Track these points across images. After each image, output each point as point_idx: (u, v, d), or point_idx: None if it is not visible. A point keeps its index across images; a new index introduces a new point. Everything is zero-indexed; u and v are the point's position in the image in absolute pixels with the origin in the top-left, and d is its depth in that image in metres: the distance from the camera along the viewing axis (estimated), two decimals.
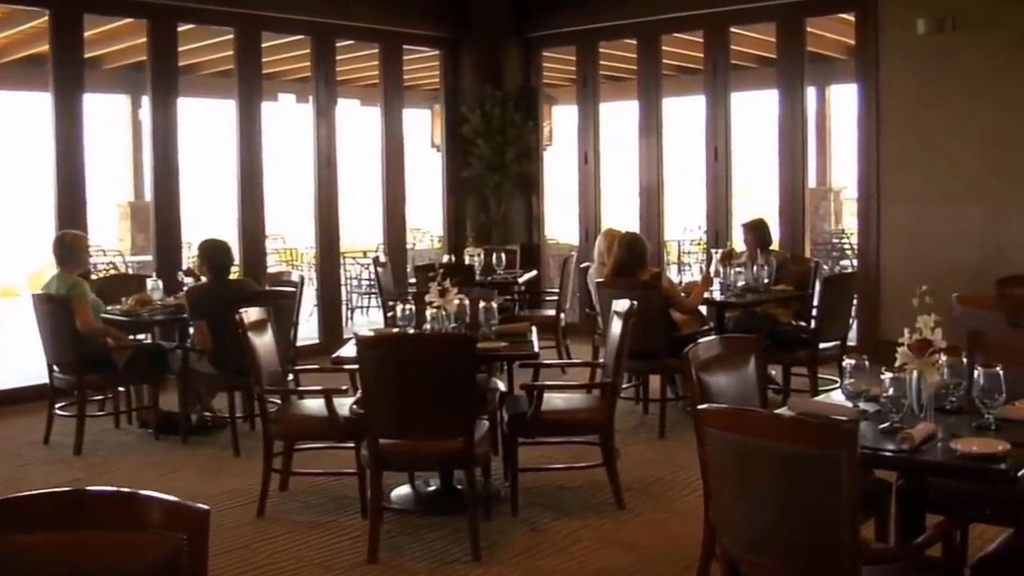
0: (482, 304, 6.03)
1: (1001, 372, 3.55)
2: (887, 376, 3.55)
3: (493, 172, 12.16)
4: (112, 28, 11.63)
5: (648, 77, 11.45)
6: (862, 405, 3.83)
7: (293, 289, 7.95)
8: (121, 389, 8.17)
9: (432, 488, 6.09)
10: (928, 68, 9.40)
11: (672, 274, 17.00)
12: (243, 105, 10.42)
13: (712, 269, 8.17)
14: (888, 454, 3.33)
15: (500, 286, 10.13)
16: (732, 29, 11.03)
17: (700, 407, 3.21)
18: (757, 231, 8.66)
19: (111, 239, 18.13)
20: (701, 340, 4.32)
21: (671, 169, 12.24)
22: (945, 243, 9.38)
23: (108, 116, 16.91)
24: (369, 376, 5.08)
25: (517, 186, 12.43)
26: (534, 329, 6.37)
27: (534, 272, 10.85)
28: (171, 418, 7.79)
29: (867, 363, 3.85)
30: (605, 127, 12.24)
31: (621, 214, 13.00)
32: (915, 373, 3.61)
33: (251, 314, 6.00)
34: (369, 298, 14.10)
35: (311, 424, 5.93)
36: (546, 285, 12.06)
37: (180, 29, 10.08)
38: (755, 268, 8.21)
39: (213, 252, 7.44)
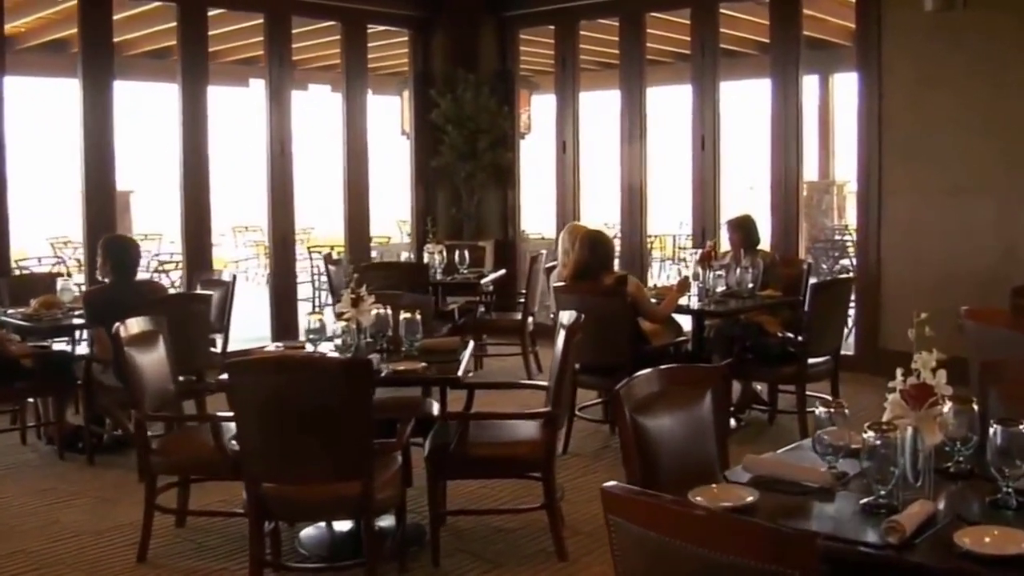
0: (404, 316, 5.11)
1: None
2: (870, 436, 2.62)
3: (464, 162, 11.23)
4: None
5: (631, 60, 10.49)
6: (840, 465, 2.91)
7: (208, 293, 7.01)
8: (31, 400, 7.30)
9: (349, 528, 5.19)
10: (935, 51, 8.44)
11: (660, 273, 16.10)
12: (186, 88, 9.52)
13: (691, 272, 7.24)
14: (868, 550, 2.40)
15: (463, 287, 9.24)
16: (722, 10, 10.05)
17: (604, 486, 2.27)
18: (742, 229, 7.72)
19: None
20: (639, 373, 3.38)
21: (660, 162, 11.33)
22: (953, 241, 8.45)
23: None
24: (244, 407, 4.16)
25: (491, 177, 11.50)
26: (470, 344, 5.45)
27: (502, 271, 9.89)
28: (79, 434, 6.92)
29: (846, 411, 2.93)
30: (587, 116, 11.31)
31: (603, 208, 12.07)
32: (909, 431, 2.68)
33: (132, 326, 5.08)
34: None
35: (200, 456, 5.01)
36: (522, 285, 11.11)
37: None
38: (739, 271, 7.29)
39: (116, 249, 6.54)
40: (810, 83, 17.28)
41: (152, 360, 5.16)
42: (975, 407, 2.92)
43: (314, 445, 4.13)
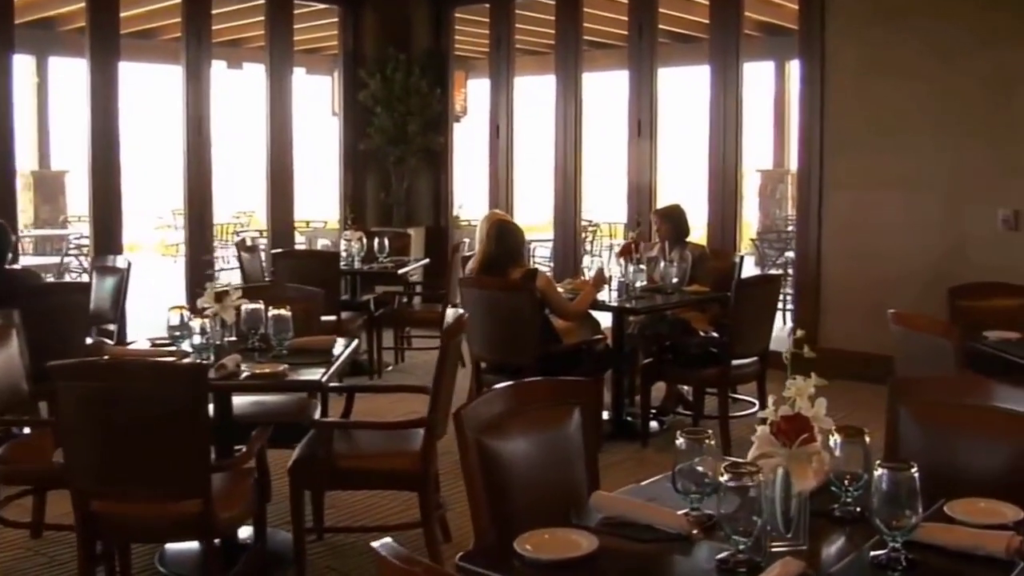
0: (272, 312, 4.60)
1: (917, 474, 2.17)
2: (726, 479, 2.15)
3: (394, 145, 10.70)
4: None
5: (567, 40, 10.01)
6: (706, 505, 2.44)
7: (84, 282, 6.46)
8: None
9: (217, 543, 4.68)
10: (881, 35, 7.99)
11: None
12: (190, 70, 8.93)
13: (610, 266, 6.78)
14: None
15: (381, 277, 8.74)
16: None
17: (374, 546, 1.78)
18: (671, 220, 7.26)
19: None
20: (486, 392, 2.91)
21: (599, 149, 10.87)
22: (896, 237, 8.02)
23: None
24: (67, 415, 3.65)
25: (423, 162, 11.00)
26: (343, 344, 4.94)
27: (425, 260, 9.40)
28: None
29: (711, 442, 2.46)
30: (526, 102, 10.82)
31: (540, 195, 11.61)
32: (780, 472, 2.21)
33: None
34: None
35: (46, 465, 4.47)
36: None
37: None
38: (663, 264, 6.83)
39: None
40: (766, 70, 16.96)
41: (3, 357, 4.63)
42: (866, 438, 2.47)
43: (144, 459, 3.63)
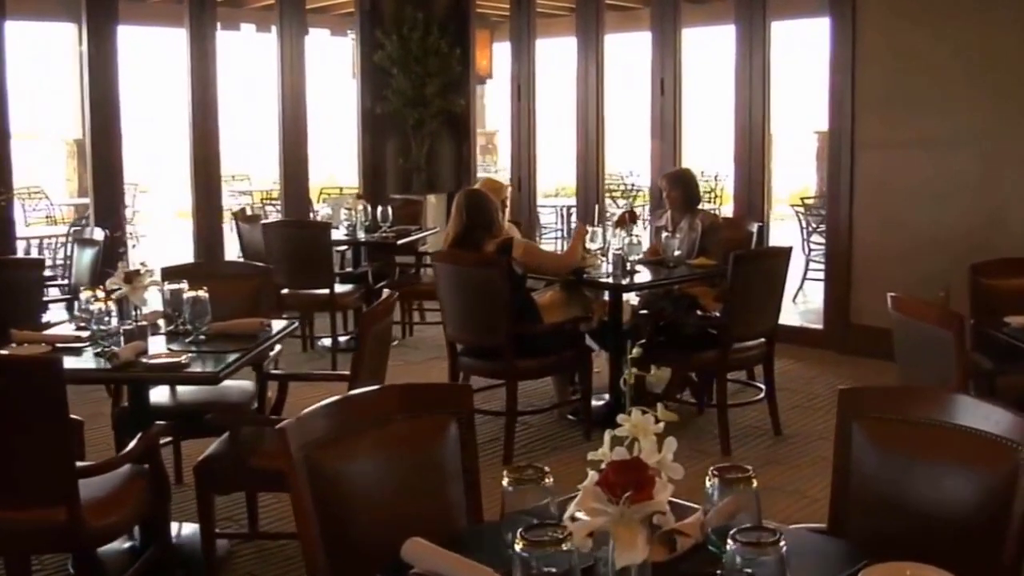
0: (188, 295, 4.15)
1: (784, 551, 1.64)
2: (519, 544, 1.63)
3: (412, 107, 10.21)
4: None
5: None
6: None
7: (38, 258, 6.10)
8: None
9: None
10: None
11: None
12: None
13: (608, 236, 6.24)
14: None
15: (381, 248, 8.30)
16: None
17: None
18: (682, 184, 6.70)
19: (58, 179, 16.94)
20: (323, 402, 2.42)
21: (621, 111, 10.30)
22: (932, 203, 7.35)
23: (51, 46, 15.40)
24: None
25: (445, 125, 10.49)
26: (293, 325, 4.51)
27: (435, 229, 8.92)
28: None
29: (548, 480, 1.94)
30: (548, 63, 10.25)
31: (564, 160, 11.05)
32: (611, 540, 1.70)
33: None
34: None
35: None
36: None
37: None
38: (664, 236, 6.29)
39: None
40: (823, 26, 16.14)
41: None
42: (753, 482, 1.94)
43: (1, 463, 3.22)
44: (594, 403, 6.31)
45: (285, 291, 7.61)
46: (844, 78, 7.72)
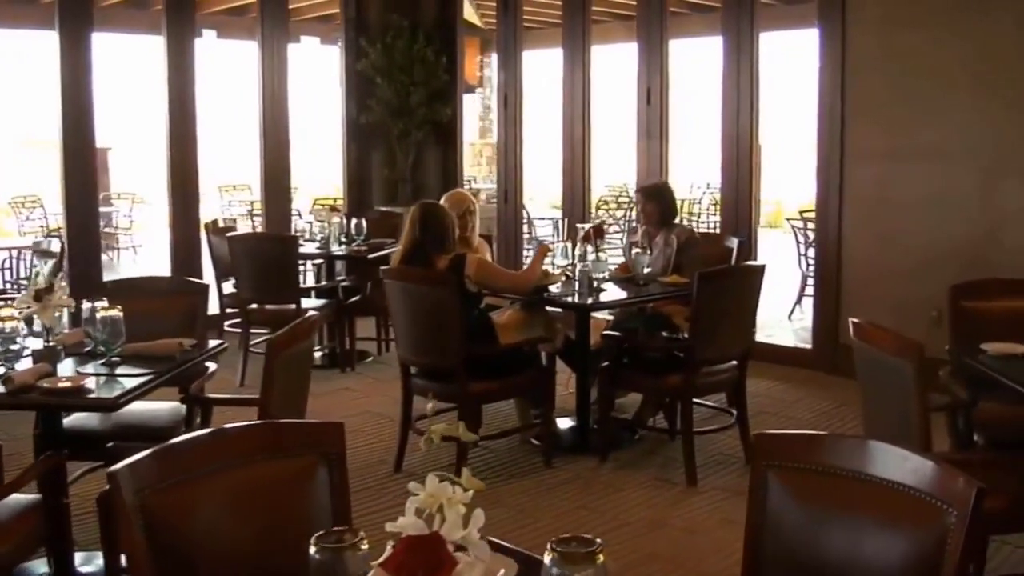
0: (102, 313, 3.90)
1: None
2: None
3: (396, 117, 9.97)
4: None
5: (573, 10, 9.17)
6: None
7: None
8: None
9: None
10: None
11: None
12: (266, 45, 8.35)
13: (575, 252, 5.95)
14: None
15: (351, 262, 8.07)
16: None
17: None
18: (658, 198, 6.42)
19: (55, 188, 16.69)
20: (167, 442, 2.16)
21: (615, 122, 10.04)
22: (927, 217, 7.04)
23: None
24: None
25: (431, 135, 10.24)
26: (223, 345, 4.25)
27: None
28: None
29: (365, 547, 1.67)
30: (538, 74, 10.01)
31: (551, 172, 10.78)
32: None
33: None
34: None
35: None
36: None
37: None
38: (634, 252, 6.01)
39: None
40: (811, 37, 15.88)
41: None
42: (600, 557, 1.65)
43: None
44: (562, 426, 6.06)
45: (253, 306, 7.38)
46: (833, 88, 7.43)
